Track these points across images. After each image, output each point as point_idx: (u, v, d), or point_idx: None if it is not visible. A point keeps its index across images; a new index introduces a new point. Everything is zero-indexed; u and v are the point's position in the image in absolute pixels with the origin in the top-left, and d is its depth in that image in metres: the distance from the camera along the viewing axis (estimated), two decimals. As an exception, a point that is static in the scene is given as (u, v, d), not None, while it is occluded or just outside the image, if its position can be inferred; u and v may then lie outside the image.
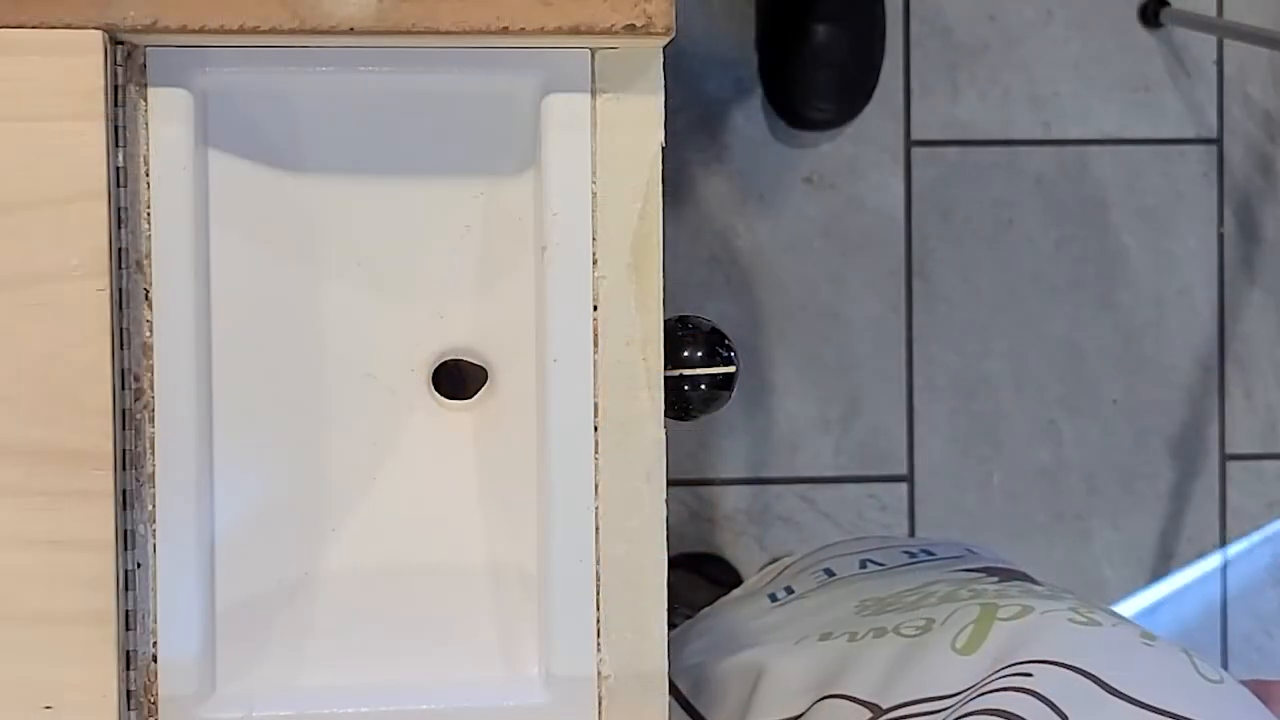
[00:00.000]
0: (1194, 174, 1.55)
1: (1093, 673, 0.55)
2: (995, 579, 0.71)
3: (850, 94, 1.44)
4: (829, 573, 0.79)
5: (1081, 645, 0.58)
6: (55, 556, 0.55)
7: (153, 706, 0.59)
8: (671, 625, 0.61)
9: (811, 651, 0.65)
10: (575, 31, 0.56)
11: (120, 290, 0.57)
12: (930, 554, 0.79)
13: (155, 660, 0.59)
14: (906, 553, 0.79)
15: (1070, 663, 0.56)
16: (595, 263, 0.60)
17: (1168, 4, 1.52)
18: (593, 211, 0.60)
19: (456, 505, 0.62)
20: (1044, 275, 1.53)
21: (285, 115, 0.61)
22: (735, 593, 0.85)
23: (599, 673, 0.60)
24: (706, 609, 0.83)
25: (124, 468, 0.57)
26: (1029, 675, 0.56)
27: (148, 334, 0.58)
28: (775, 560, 0.88)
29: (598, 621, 0.60)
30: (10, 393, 0.55)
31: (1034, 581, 0.71)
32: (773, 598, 0.78)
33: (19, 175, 0.55)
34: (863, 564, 0.78)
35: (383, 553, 0.62)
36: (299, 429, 0.62)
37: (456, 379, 0.64)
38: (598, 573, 0.60)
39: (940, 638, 0.61)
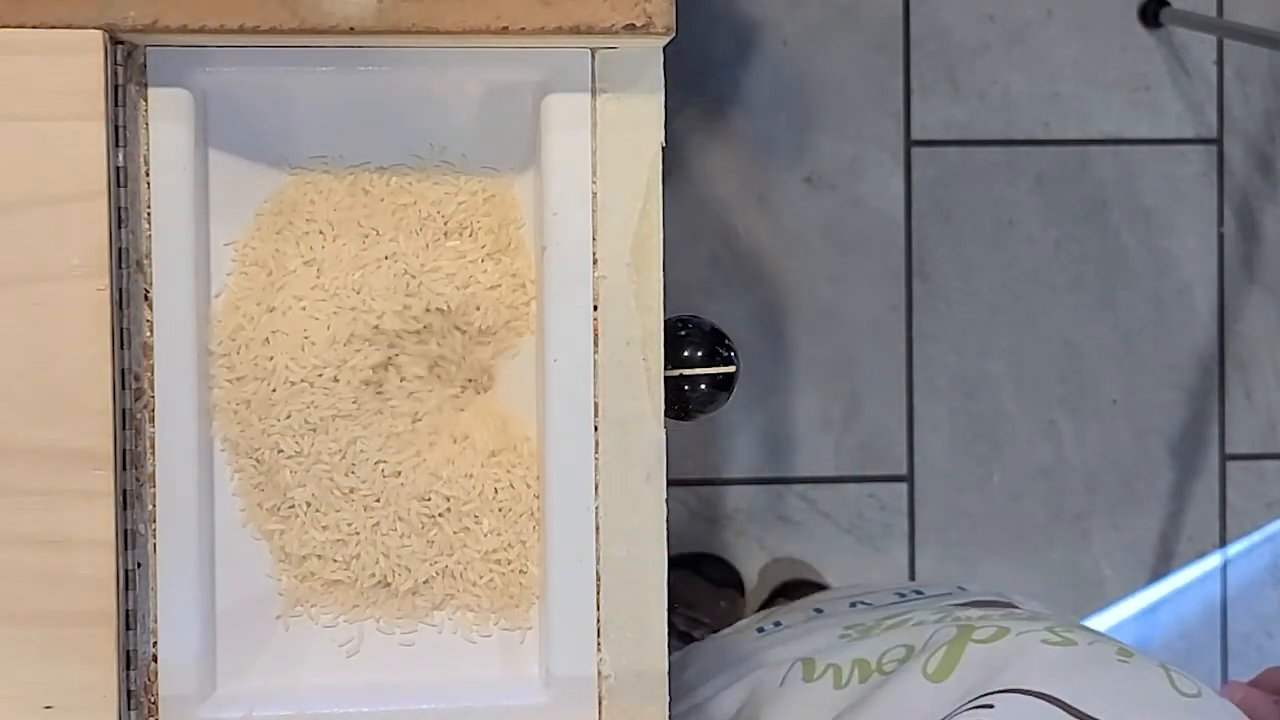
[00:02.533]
0: (1194, 174, 1.55)
1: (1059, 697, 0.55)
2: (980, 609, 0.70)
3: None
4: (818, 611, 0.79)
5: (1053, 667, 0.57)
6: (55, 556, 0.55)
7: (153, 706, 0.59)
8: (671, 625, 0.61)
9: (796, 695, 0.65)
10: (575, 31, 0.56)
11: (120, 290, 0.57)
12: (920, 593, 0.79)
13: (155, 660, 0.59)
14: (897, 593, 0.80)
15: (1037, 689, 0.55)
16: (595, 263, 0.60)
17: (1168, 4, 1.52)
18: (593, 211, 0.60)
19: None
20: (1044, 275, 1.53)
21: (285, 115, 0.61)
22: (725, 630, 0.86)
23: (599, 673, 0.60)
24: (697, 642, 0.83)
25: (124, 468, 0.57)
26: (990, 707, 0.55)
27: (148, 334, 0.58)
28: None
29: (598, 621, 0.60)
30: (10, 393, 0.55)
31: (1017, 608, 0.71)
32: (760, 630, 0.78)
33: (19, 175, 0.55)
34: (853, 604, 0.79)
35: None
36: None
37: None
38: (598, 573, 0.60)
39: (914, 664, 0.61)
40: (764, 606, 1.44)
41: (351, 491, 0.62)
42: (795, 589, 1.44)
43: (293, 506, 0.62)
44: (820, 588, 1.44)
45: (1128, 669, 0.58)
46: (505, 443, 0.63)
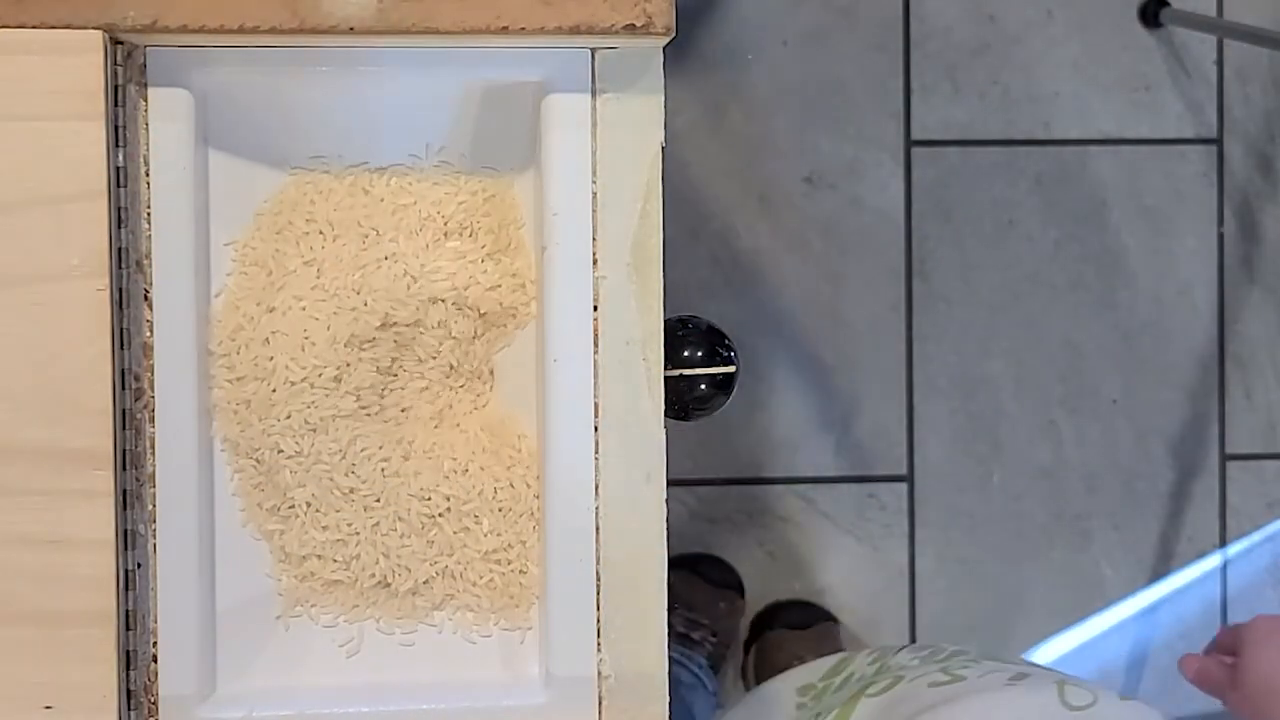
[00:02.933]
0: (1194, 174, 1.55)
1: None
2: (914, 651, 0.70)
3: None
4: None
5: (934, 705, 0.57)
6: (55, 556, 0.55)
7: (153, 706, 0.59)
8: (670, 627, 0.61)
9: None
10: (575, 31, 0.56)
11: (120, 290, 0.57)
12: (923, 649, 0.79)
13: (155, 660, 0.59)
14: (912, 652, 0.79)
15: None
16: (595, 263, 0.60)
17: (1168, 4, 1.52)
18: (593, 211, 0.60)
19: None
20: (1044, 275, 1.53)
21: (285, 115, 0.61)
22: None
23: (599, 673, 0.60)
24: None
25: (124, 468, 0.57)
26: None
27: (148, 334, 0.58)
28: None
29: (598, 622, 0.60)
30: (10, 393, 0.55)
31: (959, 652, 0.70)
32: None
33: (19, 175, 0.55)
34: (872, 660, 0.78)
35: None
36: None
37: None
38: (598, 573, 0.60)
39: None
40: (753, 630, 1.44)
41: (351, 491, 0.62)
42: (785, 610, 1.43)
43: (293, 507, 0.62)
44: (812, 607, 1.44)
45: (1014, 692, 0.58)
46: (505, 442, 0.63)
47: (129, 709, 0.58)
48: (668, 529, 0.60)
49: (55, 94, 0.55)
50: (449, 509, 0.62)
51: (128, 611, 0.57)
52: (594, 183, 0.60)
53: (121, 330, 0.57)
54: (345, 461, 0.62)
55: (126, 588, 0.57)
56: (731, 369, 0.62)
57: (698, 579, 1.42)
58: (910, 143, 1.51)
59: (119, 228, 0.56)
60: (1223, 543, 1.58)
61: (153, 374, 0.58)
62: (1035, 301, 1.53)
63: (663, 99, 0.60)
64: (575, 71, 0.59)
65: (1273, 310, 1.57)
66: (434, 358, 0.63)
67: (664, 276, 0.60)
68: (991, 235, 1.52)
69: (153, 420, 0.58)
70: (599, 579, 0.60)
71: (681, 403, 0.61)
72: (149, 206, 0.58)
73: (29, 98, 0.55)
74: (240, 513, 0.62)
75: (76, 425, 0.55)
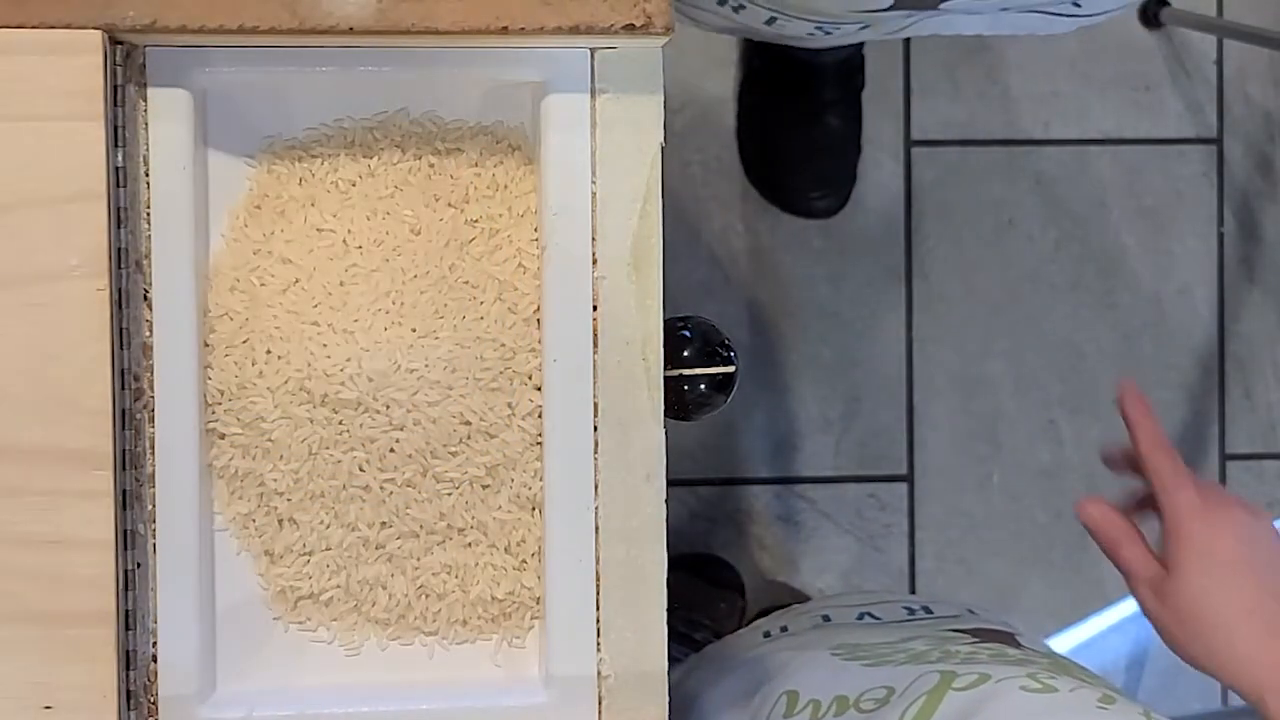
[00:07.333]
0: (1194, 174, 1.55)
1: None
2: (974, 639, 0.70)
3: (841, 178, 1.45)
4: (825, 619, 0.79)
5: (1027, 715, 0.57)
6: (55, 556, 0.55)
7: (153, 706, 0.59)
8: (671, 626, 0.60)
9: None
10: (575, 31, 0.56)
11: (120, 290, 0.57)
12: (929, 611, 0.79)
13: (155, 660, 0.59)
14: (906, 608, 0.79)
15: None
16: (595, 263, 0.60)
17: (1168, 4, 1.52)
18: (593, 211, 0.60)
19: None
20: (1044, 275, 1.53)
21: (285, 115, 0.61)
22: (741, 631, 0.85)
23: (599, 673, 0.60)
24: (710, 647, 0.83)
25: (124, 468, 0.57)
26: None
27: (148, 334, 0.58)
28: (782, 607, 0.87)
29: (598, 621, 0.60)
30: (10, 393, 0.55)
31: (1016, 645, 0.70)
32: (766, 634, 0.78)
33: (19, 175, 0.55)
34: (860, 616, 0.78)
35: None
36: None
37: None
38: (598, 573, 0.60)
39: (892, 712, 0.61)
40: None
41: (351, 497, 0.62)
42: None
43: (292, 519, 0.62)
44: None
45: (1106, 716, 0.57)
46: (505, 440, 0.63)
47: (129, 709, 0.58)
48: (668, 529, 0.60)
49: (55, 94, 0.55)
50: (451, 509, 0.62)
51: (128, 611, 0.57)
52: (594, 183, 0.60)
53: (121, 330, 0.57)
54: (344, 467, 0.62)
55: (126, 588, 0.57)
56: (731, 369, 0.62)
57: (698, 579, 1.42)
58: (910, 143, 1.51)
59: (119, 228, 0.56)
60: (1223, 543, 1.57)
61: (153, 374, 0.58)
62: (1035, 301, 1.53)
63: (663, 99, 0.60)
64: (575, 71, 0.59)
65: (1273, 310, 1.57)
66: (433, 365, 0.63)
67: (664, 276, 0.60)
68: (991, 235, 1.52)
69: (153, 420, 0.58)
70: (599, 579, 0.60)
71: (681, 403, 0.61)
72: (149, 206, 0.58)
73: (29, 98, 0.55)
74: (241, 514, 0.62)
75: (76, 425, 0.55)
